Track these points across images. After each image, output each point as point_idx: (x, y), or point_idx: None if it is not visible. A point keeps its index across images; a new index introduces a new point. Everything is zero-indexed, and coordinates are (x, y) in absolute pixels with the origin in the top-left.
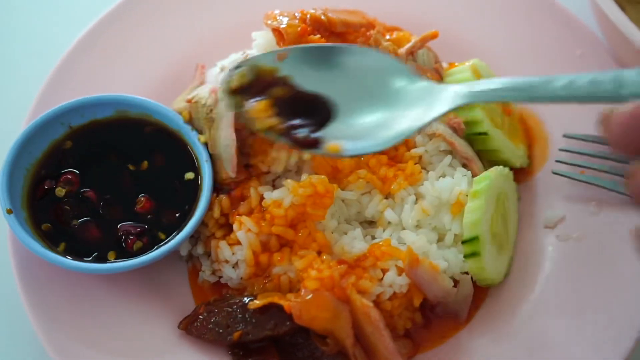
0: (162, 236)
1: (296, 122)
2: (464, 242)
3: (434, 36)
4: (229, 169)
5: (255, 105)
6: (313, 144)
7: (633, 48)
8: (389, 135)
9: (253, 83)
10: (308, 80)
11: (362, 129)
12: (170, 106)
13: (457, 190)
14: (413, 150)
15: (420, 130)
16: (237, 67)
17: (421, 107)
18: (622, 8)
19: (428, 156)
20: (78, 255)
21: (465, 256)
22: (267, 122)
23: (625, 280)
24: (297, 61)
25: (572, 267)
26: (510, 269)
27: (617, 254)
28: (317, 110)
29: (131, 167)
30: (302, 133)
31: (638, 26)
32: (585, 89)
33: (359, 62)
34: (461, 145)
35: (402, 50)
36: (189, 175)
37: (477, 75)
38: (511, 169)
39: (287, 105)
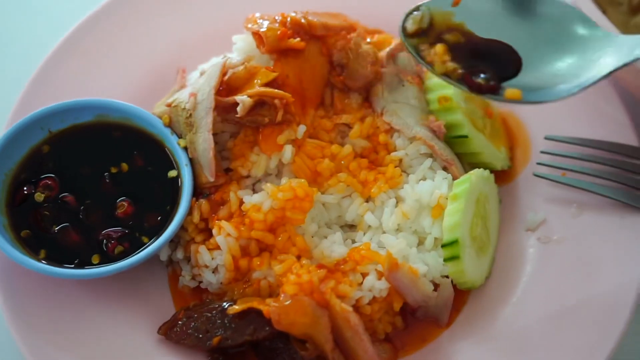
0: (144, 240)
1: (475, 67)
2: (443, 246)
3: None
4: (208, 173)
5: (433, 49)
6: (492, 89)
7: None
8: (573, 83)
9: (428, 28)
10: (484, 26)
11: (544, 75)
12: (151, 110)
13: (438, 194)
14: (393, 154)
15: (606, 77)
16: (413, 10)
17: (604, 55)
18: (604, 10)
19: (408, 159)
20: (58, 261)
21: (445, 259)
22: (445, 66)
23: (606, 282)
24: (472, 6)
25: (553, 269)
26: (491, 271)
27: (598, 256)
28: (494, 57)
29: (111, 172)
30: (481, 77)
31: (619, 28)
32: None
33: (538, 9)
34: (441, 148)
35: (383, 53)
36: (170, 179)
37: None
38: (492, 171)
39: (463, 51)
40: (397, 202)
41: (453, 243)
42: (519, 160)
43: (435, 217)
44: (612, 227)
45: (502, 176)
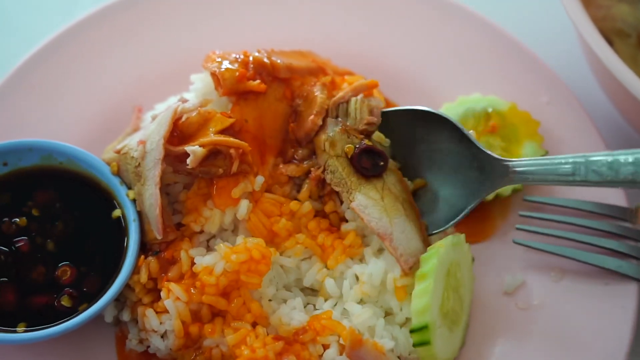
0: (84, 301)
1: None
2: (412, 331)
3: (371, 86)
4: (155, 231)
5: None
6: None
7: (618, 83)
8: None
9: None
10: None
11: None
12: (101, 155)
13: (391, 278)
14: (343, 227)
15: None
16: None
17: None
18: (610, 42)
19: (360, 230)
20: None
21: (415, 345)
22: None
23: (588, 354)
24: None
25: (532, 339)
26: (464, 341)
27: (581, 326)
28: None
29: (54, 223)
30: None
31: (627, 62)
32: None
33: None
34: (375, 219)
35: (331, 102)
36: (116, 233)
37: None
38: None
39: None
40: (357, 277)
41: (422, 329)
42: (496, 215)
43: (400, 299)
44: (596, 295)
45: (478, 233)
